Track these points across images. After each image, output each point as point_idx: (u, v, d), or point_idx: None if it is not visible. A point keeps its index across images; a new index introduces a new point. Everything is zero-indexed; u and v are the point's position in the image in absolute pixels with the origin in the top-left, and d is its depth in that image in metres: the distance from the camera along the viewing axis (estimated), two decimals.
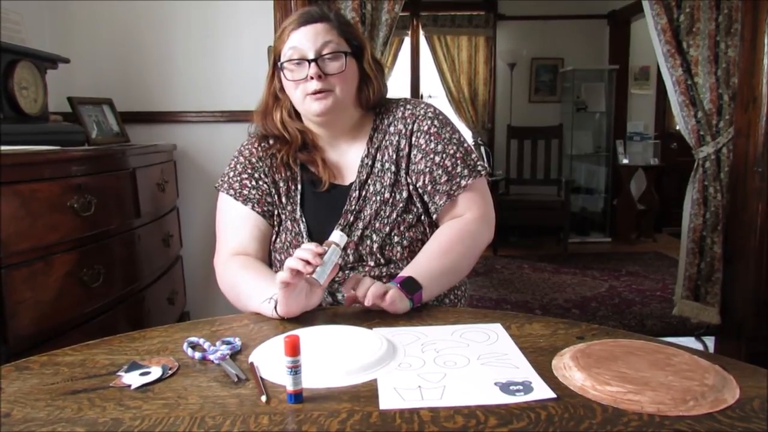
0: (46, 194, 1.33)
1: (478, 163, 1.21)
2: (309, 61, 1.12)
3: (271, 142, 1.24)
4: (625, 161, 5.10)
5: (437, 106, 1.28)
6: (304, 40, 1.13)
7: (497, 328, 0.92)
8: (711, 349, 2.52)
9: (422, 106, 1.24)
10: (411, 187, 1.19)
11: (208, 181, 2.50)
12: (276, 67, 1.19)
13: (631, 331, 0.92)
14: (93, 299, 1.48)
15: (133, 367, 0.79)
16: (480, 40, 5.53)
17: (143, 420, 0.65)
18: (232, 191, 1.20)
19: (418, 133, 1.20)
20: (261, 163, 1.22)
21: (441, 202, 1.18)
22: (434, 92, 5.61)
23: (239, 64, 2.34)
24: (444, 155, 1.18)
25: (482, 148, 5.31)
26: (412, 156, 1.20)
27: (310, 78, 1.12)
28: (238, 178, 1.21)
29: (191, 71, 2.35)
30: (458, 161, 1.18)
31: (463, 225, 1.16)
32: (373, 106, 1.24)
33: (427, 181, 1.18)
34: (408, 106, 1.24)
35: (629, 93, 5.48)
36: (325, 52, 1.13)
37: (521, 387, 0.71)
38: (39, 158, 1.36)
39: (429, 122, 1.21)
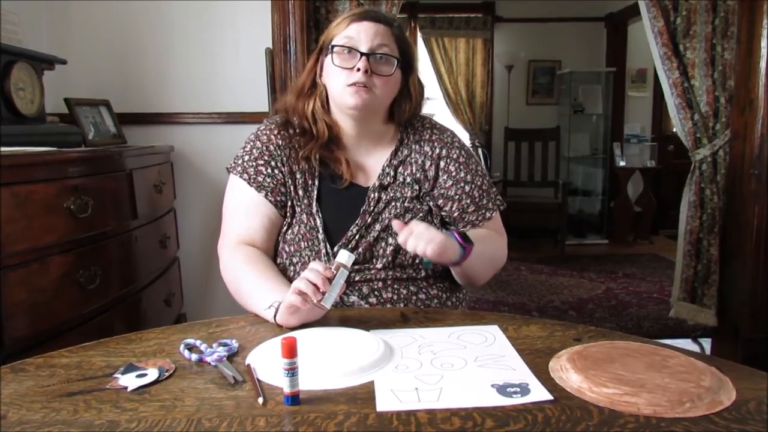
0: (43, 195, 1.33)
1: (498, 197, 1.27)
2: (361, 54, 1.13)
3: (291, 131, 1.22)
4: (622, 163, 5.11)
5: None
6: (362, 33, 1.14)
7: (494, 329, 0.92)
8: (707, 351, 2.52)
9: (448, 133, 1.28)
10: (432, 205, 1.22)
11: (206, 183, 2.50)
12: (321, 53, 1.20)
13: (628, 333, 0.93)
14: (89, 301, 1.48)
15: (129, 369, 0.79)
16: (477, 42, 5.54)
17: (140, 422, 0.65)
18: (246, 176, 1.18)
19: (448, 160, 1.23)
20: (279, 152, 1.19)
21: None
22: (432, 94, 5.58)
23: (237, 66, 2.34)
24: (473, 185, 1.23)
25: (480, 150, 5.32)
26: (440, 181, 1.23)
27: (356, 69, 1.12)
28: (254, 164, 1.18)
29: (189, 73, 2.35)
30: (484, 193, 1.24)
31: (495, 236, 1.24)
32: (402, 121, 1.26)
33: (454, 209, 1.23)
34: (435, 131, 1.27)
35: (626, 95, 5.50)
36: (379, 51, 1.14)
37: (518, 389, 0.71)
38: (35, 159, 1.36)
39: (458, 152, 1.25)
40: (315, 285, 0.89)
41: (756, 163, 2.19)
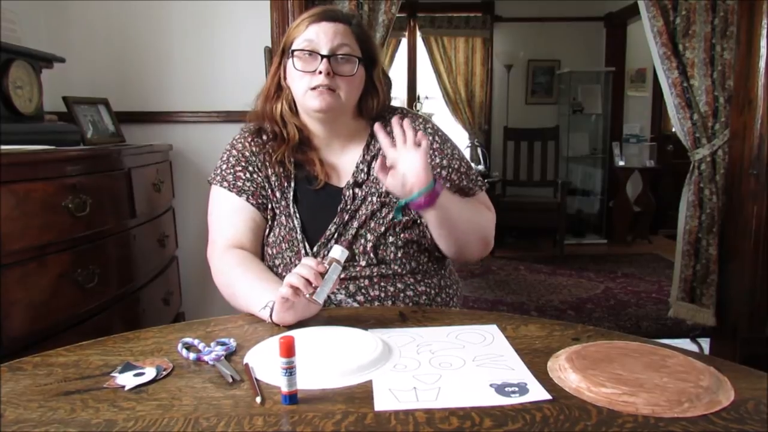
0: (41, 194, 1.32)
1: (478, 178, 1.26)
2: (322, 56, 1.12)
3: (264, 138, 1.23)
4: (621, 163, 5.12)
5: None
6: (322, 34, 1.13)
7: (493, 329, 0.92)
8: (706, 350, 2.52)
9: (420, 120, 1.26)
10: None
11: (204, 182, 2.48)
12: (283, 56, 1.19)
13: (627, 333, 0.93)
14: (87, 300, 1.47)
15: (127, 367, 0.79)
16: (477, 42, 5.54)
17: (137, 421, 0.65)
18: (225, 183, 1.19)
19: None
20: (254, 158, 1.21)
21: None
22: (431, 93, 5.61)
23: (236, 64, 2.34)
24: (450, 169, 1.22)
25: (479, 150, 5.32)
26: None
27: (318, 72, 1.12)
28: (232, 171, 1.20)
29: (187, 71, 2.35)
30: (462, 176, 1.23)
31: (480, 205, 1.23)
32: (372, 116, 1.25)
33: None
34: (406, 120, 1.24)
35: (625, 95, 5.50)
36: (339, 52, 1.13)
37: (516, 388, 0.71)
38: (34, 158, 1.36)
39: (430, 138, 1.23)
40: (307, 279, 0.89)
41: (755, 163, 2.19)
